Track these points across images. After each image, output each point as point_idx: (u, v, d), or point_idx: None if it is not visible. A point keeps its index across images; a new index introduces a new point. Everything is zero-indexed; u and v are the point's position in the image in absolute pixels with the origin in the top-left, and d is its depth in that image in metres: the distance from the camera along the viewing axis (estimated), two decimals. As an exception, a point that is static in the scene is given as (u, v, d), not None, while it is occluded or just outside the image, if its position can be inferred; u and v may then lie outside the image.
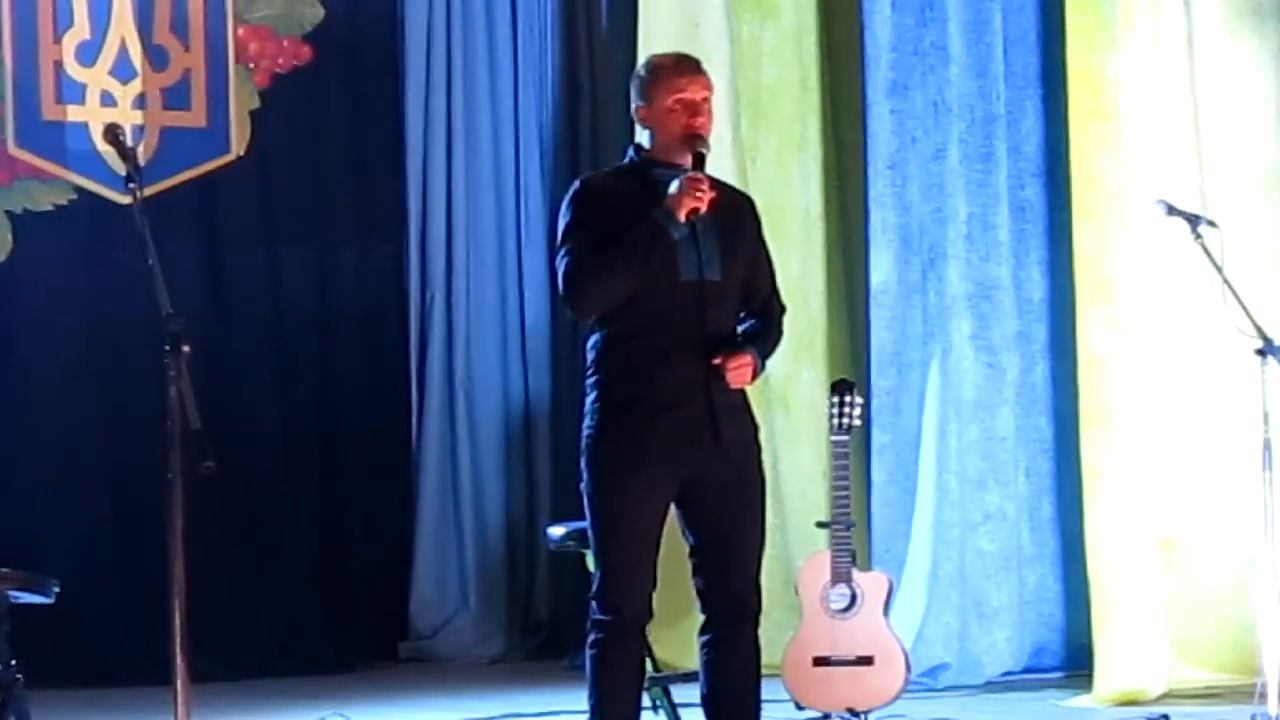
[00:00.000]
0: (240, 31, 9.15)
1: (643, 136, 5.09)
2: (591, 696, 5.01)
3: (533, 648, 9.39)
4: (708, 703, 5.08)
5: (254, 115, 9.15)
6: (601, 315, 5.01)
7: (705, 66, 5.14)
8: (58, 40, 8.80)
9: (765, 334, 5.13)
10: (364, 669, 8.96)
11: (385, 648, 9.29)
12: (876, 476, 8.02)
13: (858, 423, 6.81)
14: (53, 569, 5.73)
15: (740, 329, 5.10)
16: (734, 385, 4.96)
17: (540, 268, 9.43)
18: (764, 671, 5.11)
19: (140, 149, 8.59)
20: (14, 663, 5.21)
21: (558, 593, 9.33)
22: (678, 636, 7.41)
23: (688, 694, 5.79)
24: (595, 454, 4.98)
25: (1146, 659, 7.49)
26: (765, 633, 5.10)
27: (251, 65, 9.18)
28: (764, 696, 5.14)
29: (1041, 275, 8.25)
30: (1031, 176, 8.26)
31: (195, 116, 9.06)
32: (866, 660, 6.74)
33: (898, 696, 6.79)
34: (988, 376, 8.12)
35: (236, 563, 8.74)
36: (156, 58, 8.97)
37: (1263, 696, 6.50)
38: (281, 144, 9.22)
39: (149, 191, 7.51)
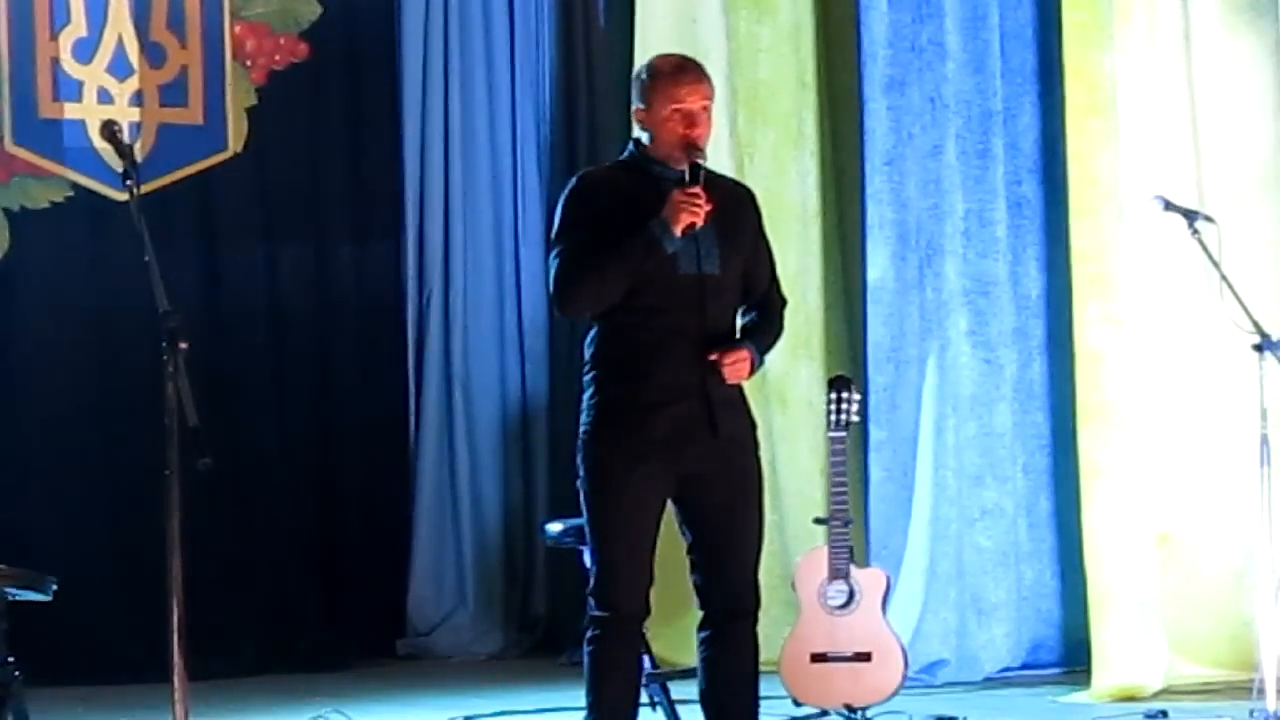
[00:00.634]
0: (237, 28, 9.15)
1: (642, 134, 5.08)
2: (589, 693, 5.00)
3: (530, 644, 9.40)
4: (706, 699, 5.07)
5: (251, 112, 9.14)
6: (593, 314, 5.01)
7: (704, 65, 5.14)
8: (54, 37, 8.79)
9: (764, 328, 5.13)
10: (361, 666, 8.95)
11: (383, 644, 9.28)
12: (874, 473, 8.02)
13: (855, 419, 6.81)
14: (50, 566, 5.72)
15: (740, 323, 5.10)
16: (730, 381, 4.95)
17: (538, 264, 9.43)
18: (762, 668, 5.11)
19: (137, 146, 8.58)
20: (12, 660, 5.21)
21: (555, 589, 9.33)
22: (676, 633, 7.42)
23: (686, 690, 5.79)
24: (593, 450, 4.97)
25: (1144, 655, 7.49)
26: (763, 629, 5.09)
27: (248, 62, 9.17)
28: (762, 693, 5.14)
29: (1039, 271, 8.25)
30: (1029, 172, 8.26)
31: (192, 113, 9.06)
32: (864, 656, 6.75)
33: (895, 693, 6.80)
34: (985, 372, 8.12)
35: (234, 559, 8.73)
36: (153, 55, 8.96)
37: (1260, 692, 6.51)
38: (278, 141, 9.21)
39: (146, 188, 7.52)
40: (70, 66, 8.82)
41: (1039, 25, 8.21)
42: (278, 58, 9.23)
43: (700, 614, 5.08)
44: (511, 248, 9.65)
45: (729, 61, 8.47)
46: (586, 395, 5.02)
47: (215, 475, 4.35)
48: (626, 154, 5.13)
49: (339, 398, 9.38)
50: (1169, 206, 6.72)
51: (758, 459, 5.07)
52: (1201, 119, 7.87)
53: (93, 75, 8.86)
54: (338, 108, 9.42)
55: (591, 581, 4.99)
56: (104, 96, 8.86)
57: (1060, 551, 8.18)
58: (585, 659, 5.01)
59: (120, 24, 8.90)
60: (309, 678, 8.50)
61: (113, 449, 8.60)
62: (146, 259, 4.57)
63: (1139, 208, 7.46)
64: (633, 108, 5.10)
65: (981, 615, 8.03)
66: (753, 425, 5.08)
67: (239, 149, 9.12)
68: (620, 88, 8.05)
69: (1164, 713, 6.95)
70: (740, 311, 5.12)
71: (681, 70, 5.05)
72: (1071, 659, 8.06)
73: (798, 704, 6.84)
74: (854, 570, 6.78)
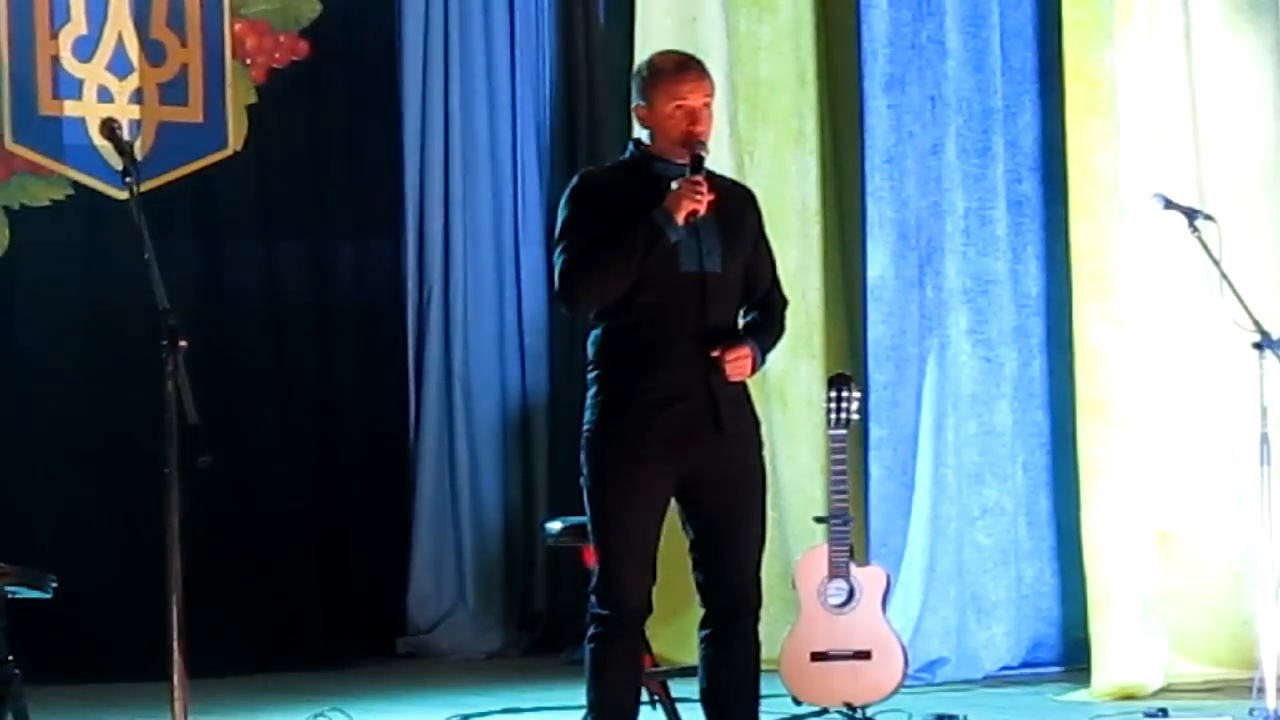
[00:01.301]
0: (237, 26, 9.15)
1: (642, 133, 5.08)
2: (590, 691, 5.00)
3: (531, 643, 9.40)
4: (707, 698, 5.07)
5: (251, 110, 9.14)
6: (599, 310, 5.01)
7: (705, 64, 5.14)
8: (54, 35, 8.79)
9: (766, 327, 5.13)
10: (362, 664, 8.96)
11: (383, 643, 9.29)
12: (874, 471, 8.02)
13: (855, 417, 6.81)
14: (50, 564, 5.72)
15: (742, 322, 5.10)
16: (733, 378, 4.95)
17: (538, 262, 9.43)
18: (762, 666, 5.11)
19: (137, 144, 8.58)
20: (12, 658, 5.21)
21: (556, 587, 9.33)
22: (677, 631, 7.41)
23: (687, 689, 5.79)
24: (595, 448, 4.97)
25: (1144, 653, 7.49)
26: (763, 627, 5.08)
27: (248, 60, 9.17)
28: (762, 691, 5.13)
29: (1039, 269, 8.25)
30: (1029, 171, 8.27)
31: (192, 111, 9.06)
32: (864, 655, 6.75)
33: (895, 691, 6.80)
34: (985, 371, 8.13)
35: (234, 558, 8.73)
36: (153, 53, 8.96)
37: (1260, 690, 6.50)
38: (278, 139, 9.21)
39: (146, 186, 7.50)
40: (70, 64, 8.82)
41: (1039, 23, 8.21)
42: (278, 56, 9.23)
43: (702, 612, 5.07)
44: (511, 246, 9.65)
45: (729, 59, 8.47)
46: (590, 393, 5.02)
47: (215, 473, 4.35)
48: (627, 154, 5.13)
49: (339, 396, 9.38)
50: (1169, 205, 6.72)
51: (761, 457, 5.07)
52: (1202, 117, 7.87)
53: (93, 73, 8.85)
54: (338, 106, 9.42)
55: (593, 579, 4.99)
56: (104, 94, 8.86)
57: (1060, 550, 8.18)
58: (586, 657, 5.01)
59: (120, 22, 8.90)
60: (309, 676, 8.50)
61: (112, 447, 8.60)
62: (146, 257, 4.57)
63: (1139, 206, 7.46)
64: (633, 105, 5.09)
65: (981, 613, 8.03)
66: (757, 423, 5.08)
67: (239, 147, 9.12)
68: (620, 86, 8.03)
69: (1164, 711, 6.94)
70: (741, 311, 5.12)
71: (683, 67, 5.05)
72: (1071, 657, 8.07)
73: (798, 702, 6.84)
74: (854, 568, 6.78)
